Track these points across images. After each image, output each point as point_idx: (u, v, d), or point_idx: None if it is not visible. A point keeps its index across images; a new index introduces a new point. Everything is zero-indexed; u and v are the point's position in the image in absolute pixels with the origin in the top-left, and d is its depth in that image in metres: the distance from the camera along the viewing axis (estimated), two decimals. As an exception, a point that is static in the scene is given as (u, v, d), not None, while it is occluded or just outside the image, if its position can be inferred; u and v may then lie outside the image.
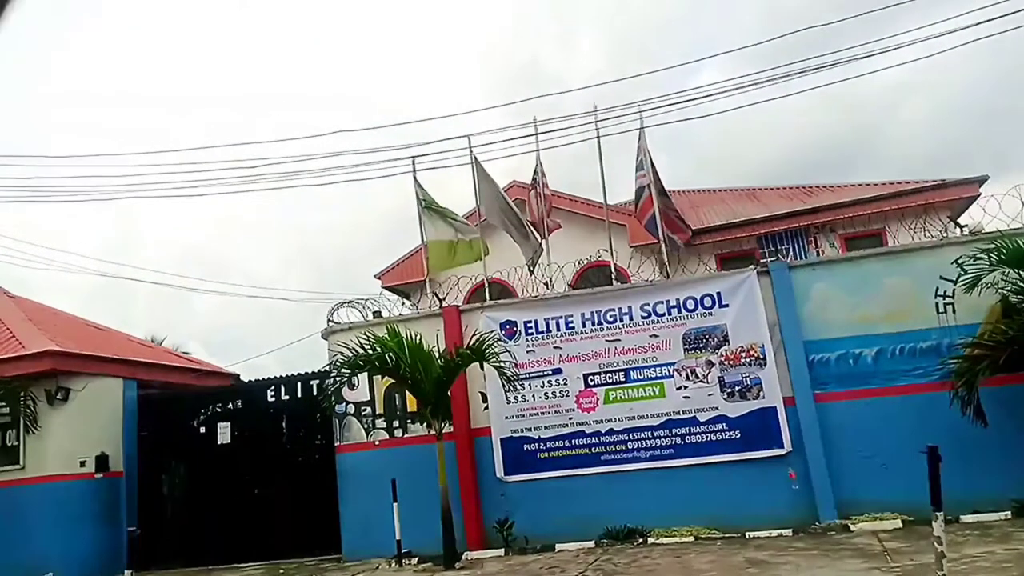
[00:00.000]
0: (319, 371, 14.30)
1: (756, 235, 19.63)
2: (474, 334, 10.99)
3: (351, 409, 12.43)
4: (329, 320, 14.02)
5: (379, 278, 22.77)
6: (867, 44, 12.32)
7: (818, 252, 18.89)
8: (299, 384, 14.22)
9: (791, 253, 19.29)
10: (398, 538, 10.81)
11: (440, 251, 13.12)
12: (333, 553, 12.90)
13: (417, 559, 10.84)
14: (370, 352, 10.58)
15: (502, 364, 10.32)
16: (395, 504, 10.88)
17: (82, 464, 13.88)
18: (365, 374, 12.35)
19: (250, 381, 14.69)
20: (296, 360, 30.54)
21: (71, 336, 15.31)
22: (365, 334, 10.98)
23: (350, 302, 14.12)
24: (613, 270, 12.71)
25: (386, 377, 12.24)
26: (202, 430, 14.52)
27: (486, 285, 12.94)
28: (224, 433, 14.38)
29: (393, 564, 10.80)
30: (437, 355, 11.00)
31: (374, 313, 13.67)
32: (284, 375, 14.47)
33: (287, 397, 14.21)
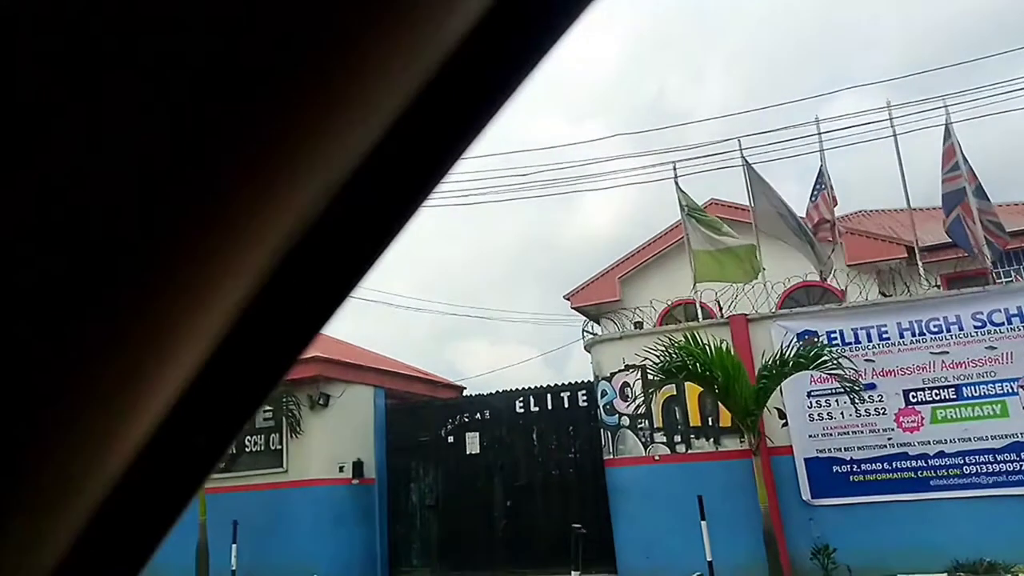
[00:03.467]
0: (570, 383, 13.23)
1: (988, 253, 17.35)
2: (785, 344, 9.56)
3: (625, 422, 11.19)
4: (585, 332, 12.95)
5: (568, 299, 21.55)
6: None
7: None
8: (548, 396, 13.15)
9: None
10: (709, 559, 9.40)
11: (707, 261, 11.78)
12: (596, 569, 11.64)
13: (727, 585, 9.41)
14: (680, 360, 9.31)
15: (842, 373, 8.82)
16: (703, 523, 9.49)
17: (341, 469, 13.23)
18: (638, 385, 11.17)
19: (498, 392, 13.74)
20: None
21: (320, 345, 14.79)
22: (663, 342, 9.72)
23: (605, 315, 13.01)
24: (905, 280, 11.02)
25: (664, 388, 11.00)
26: (450, 439, 13.66)
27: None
28: (473, 443, 13.45)
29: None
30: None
31: (635, 324, 12.48)
32: (533, 387, 13.45)
33: (536, 409, 13.16)
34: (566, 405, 12.91)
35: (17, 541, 0.38)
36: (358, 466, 13.39)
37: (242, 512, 12.40)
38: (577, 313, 21.52)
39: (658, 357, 9.34)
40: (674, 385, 10.91)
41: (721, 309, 12.07)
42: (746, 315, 10.87)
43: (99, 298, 0.33)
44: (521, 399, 13.33)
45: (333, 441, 13.29)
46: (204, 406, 0.42)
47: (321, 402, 13.20)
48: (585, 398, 12.77)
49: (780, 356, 9.02)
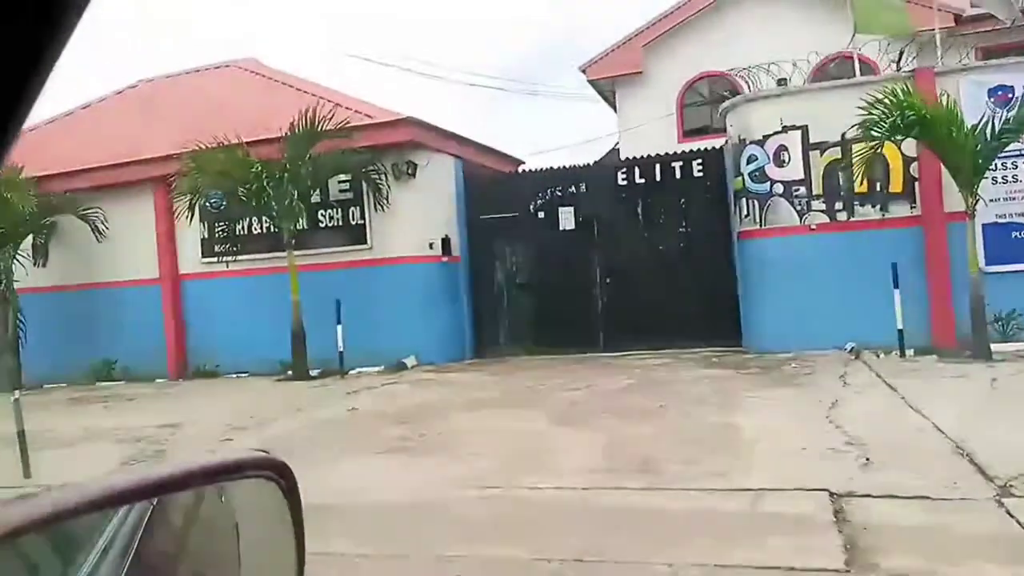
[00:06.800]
0: (683, 152, 12.12)
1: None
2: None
3: (778, 189, 10.29)
4: (724, 95, 11.66)
5: (583, 71, 19.60)
6: None
7: None
8: (657, 166, 12.01)
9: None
10: (900, 327, 9.02)
11: (870, 8, 10.46)
12: (707, 343, 11.17)
13: (913, 351, 9.10)
14: (898, 114, 8.26)
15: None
16: (896, 291, 9.00)
17: (430, 247, 11.98)
18: (798, 147, 10.19)
19: (596, 163, 12.52)
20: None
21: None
22: (869, 97, 8.59)
23: (735, 71, 11.67)
24: None
25: (828, 152, 10.08)
26: (540, 215, 12.51)
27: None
28: (567, 219, 12.35)
29: (881, 355, 9.08)
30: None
31: (777, 81, 11.28)
32: (640, 156, 12.26)
33: (642, 180, 12.05)
34: (678, 175, 11.87)
35: None
36: (446, 243, 12.17)
37: (326, 292, 11.16)
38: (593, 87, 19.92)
39: (882, 112, 8.23)
40: (839, 147, 10.02)
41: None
42: (933, 68, 9.82)
43: None
44: (624, 171, 12.19)
45: (419, 216, 11.90)
46: None
47: (409, 171, 11.62)
48: (700, 168, 11.76)
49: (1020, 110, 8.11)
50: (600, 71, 18.92)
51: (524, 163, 15.07)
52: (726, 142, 11.34)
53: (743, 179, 10.53)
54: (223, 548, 1.03)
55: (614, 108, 20.13)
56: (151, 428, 7.39)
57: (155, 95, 15.23)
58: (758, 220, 10.42)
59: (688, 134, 17.17)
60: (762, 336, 10.42)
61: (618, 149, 19.76)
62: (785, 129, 10.15)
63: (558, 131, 31.26)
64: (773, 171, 10.26)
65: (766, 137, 10.28)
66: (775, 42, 13.24)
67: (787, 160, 10.16)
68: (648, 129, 16.07)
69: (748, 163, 10.46)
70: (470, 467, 5.36)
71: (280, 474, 0.89)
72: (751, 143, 10.42)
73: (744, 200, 10.59)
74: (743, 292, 10.91)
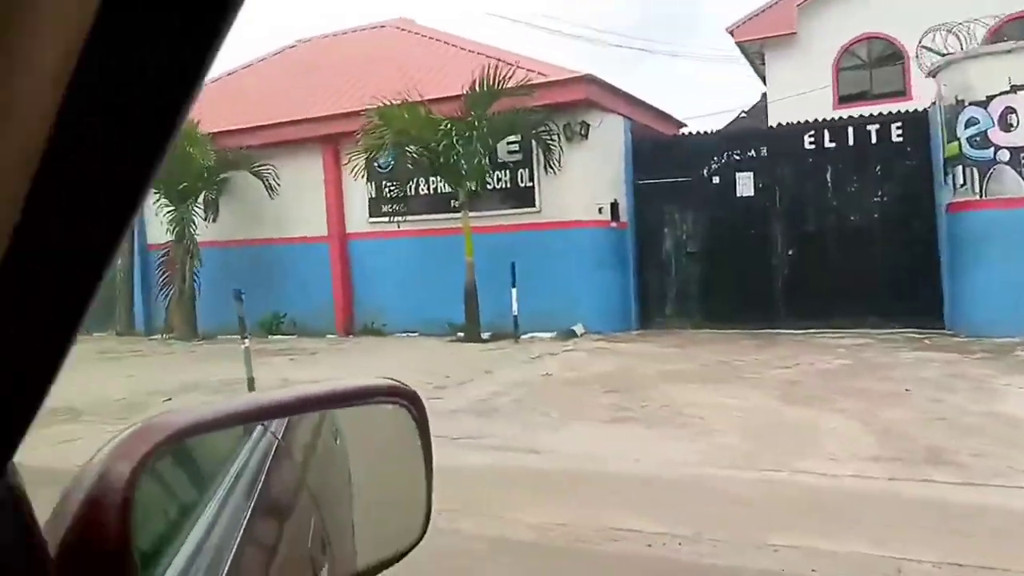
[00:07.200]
0: (880, 114, 11.15)
1: None
2: None
3: (1003, 156, 9.28)
4: (925, 48, 10.65)
5: (731, 32, 18.52)
6: None
7: None
8: (850, 130, 11.13)
9: None
10: None
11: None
12: (901, 324, 10.29)
13: None
14: None
15: None
16: None
17: (600, 211, 11.60)
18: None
19: (781, 125, 11.72)
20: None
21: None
22: None
23: (947, 26, 10.59)
24: None
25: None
26: (715, 180, 11.86)
27: None
28: (745, 184, 11.65)
29: None
30: None
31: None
32: (828, 119, 11.41)
33: (832, 145, 11.20)
34: (873, 140, 10.95)
35: None
36: (615, 208, 11.75)
37: (494, 254, 10.99)
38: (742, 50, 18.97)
39: None
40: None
41: None
42: None
43: None
44: (811, 133, 11.34)
45: (589, 179, 11.52)
46: None
47: (582, 132, 11.24)
48: (900, 132, 10.80)
49: None
50: (749, 32, 17.92)
51: (686, 125, 14.41)
52: (934, 103, 10.36)
53: (959, 144, 9.57)
54: (343, 477, 1.14)
55: (759, 75, 19.24)
56: (352, 383, 7.39)
57: (314, 55, 15.45)
58: (977, 190, 9.45)
59: (843, 100, 16.14)
60: (973, 318, 9.50)
61: (744, 116, 18.87)
62: (1015, 89, 9.11)
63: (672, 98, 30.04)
64: (998, 136, 9.25)
65: (990, 98, 9.26)
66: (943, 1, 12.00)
67: (1016, 124, 9.13)
68: (798, 94, 15.13)
69: (966, 127, 9.48)
70: (716, 444, 5.00)
71: (412, 402, 0.91)
72: (971, 104, 9.42)
73: (959, 168, 9.63)
74: (951, 270, 9.99)
